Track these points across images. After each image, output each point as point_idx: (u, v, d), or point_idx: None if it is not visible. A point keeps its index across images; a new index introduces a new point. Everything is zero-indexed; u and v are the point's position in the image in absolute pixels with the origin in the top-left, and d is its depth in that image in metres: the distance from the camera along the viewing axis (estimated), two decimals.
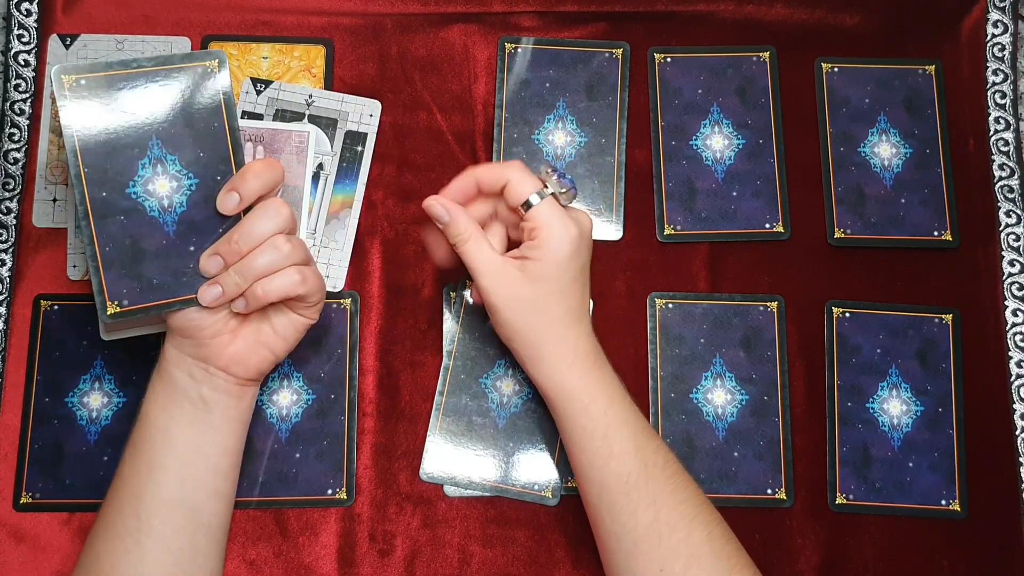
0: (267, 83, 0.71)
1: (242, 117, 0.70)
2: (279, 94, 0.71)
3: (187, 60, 0.56)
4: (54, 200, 0.69)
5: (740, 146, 0.73)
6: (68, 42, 0.71)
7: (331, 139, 0.71)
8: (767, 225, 0.72)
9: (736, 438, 0.68)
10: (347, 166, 0.70)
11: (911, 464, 0.68)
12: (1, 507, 0.65)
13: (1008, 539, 0.68)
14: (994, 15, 0.76)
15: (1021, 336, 0.71)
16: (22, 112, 0.70)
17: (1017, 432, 0.69)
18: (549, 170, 0.59)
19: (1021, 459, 0.69)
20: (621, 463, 0.57)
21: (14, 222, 0.69)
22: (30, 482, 0.65)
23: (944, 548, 0.67)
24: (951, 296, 0.71)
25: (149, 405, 0.58)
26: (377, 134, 0.71)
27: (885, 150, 0.73)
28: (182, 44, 0.72)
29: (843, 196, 0.72)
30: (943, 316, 0.71)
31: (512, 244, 0.62)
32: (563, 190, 0.59)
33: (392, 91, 0.72)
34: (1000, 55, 0.75)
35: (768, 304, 0.70)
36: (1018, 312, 0.71)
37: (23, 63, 0.71)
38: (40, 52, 0.71)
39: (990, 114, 0.75)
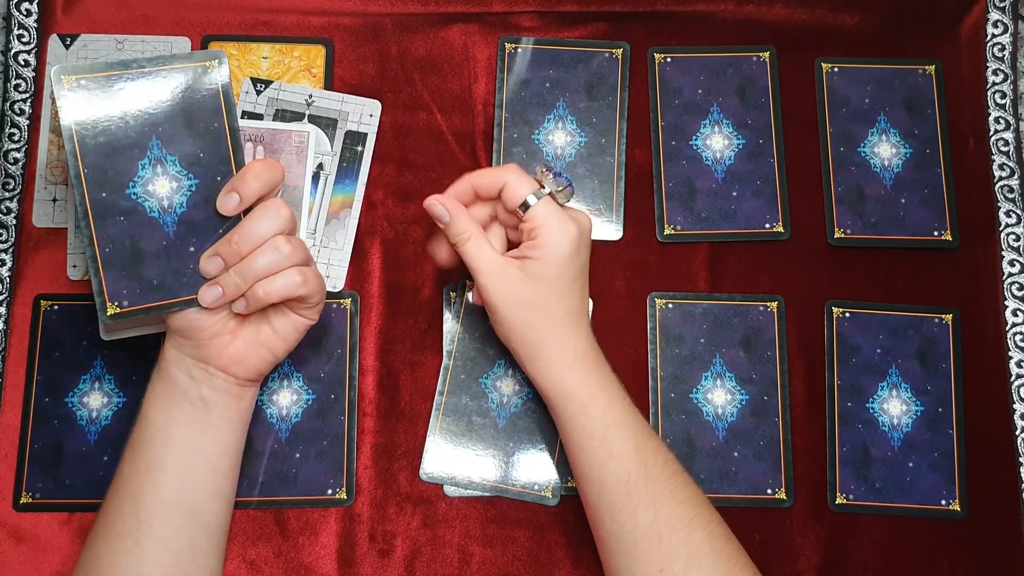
0: (267, 83, 0.71)
1: (242, 117, 0.70)
2: (279, 94, 0.71)
3: (187, 60, 0.56)
4: (54, 200, 0.69)
5: (740, 146, 0.73)
6: (68, 42, 0.71)
7: (331, 139, 0.71)
8: (767, 225, 0.72)
9: (736, 438, 0.68)
10: (347, 166, 0.70)
11: (911, 464, 0.68)
12: (1, 507, 0.65)
13: (1008, 539, 0.68)
14: (994, 15, 0.76)
15: (1021, 336, 0.71)
16: (22, 112, 0.70)
17: (1017, 432, 0.69)
18: (544, 169, 0.59)
19: (1021, 459, 0.69)
20: (621, 463, 0.57)
21: (14, 222, 0.69)
22: (30, 482, 0.65)
23: (944, 548, 0.67)
24: (951, 296, 0.71)
25: (149, 405, 0.58)
26: (377, 134, 0.71)
27: (885, 150, 0.73)
28: (182, 44, 0.72)
29: (843, 196, 0.72)
30: (943, 316, 0.71)
31: (512, 246, 0.63)
32: (559, 188, 0.59)
33: (392, 91, 0.72)
34: (1000, 55, 0.75)
35: (768, 304, 0.70)
36: (1018, 312, 0.71)
37: (23, 63, 0.71)
38: (40, 52, 0.71)
39: (990, 114, 0.75)
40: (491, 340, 0.68)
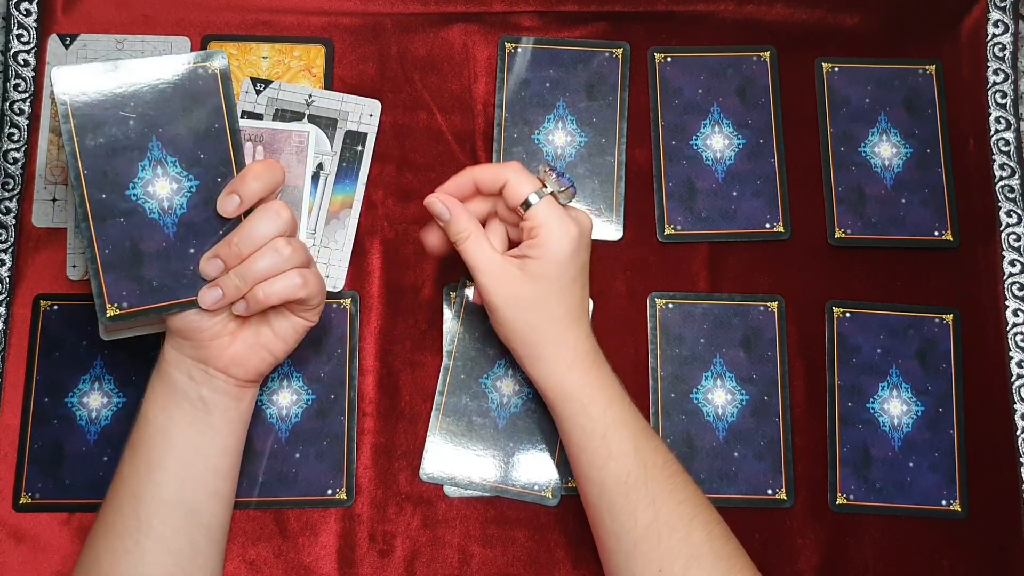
0: (267, 83, 0.71)
1: (242, 117, 0.69)
2: (279, 94, 0.71)
3: (188, 61, 0.55)
4: (54, 200, 0.69)
5: (740, 146, 0.73)
6: (68, 42, 0.71)
7: (331, 139, 0.71)
8: (767, 225, 0.72)
9: (736, 438, 0.68)
10: (347, 166, 0.70)
11: (911, 464, 0.68)
12: (1, 507, 0.65)
13: (1008, 539, 0.68)
14: (994, 15, 0.76)
15: (1021, 336, 0.71)
16: (22, 112, 0.70)
17: (1017, 432, 0.69)
18: (547, 169, 0.59)
19: (1021, 459, 0.69)
20: (620, 463, 0.57)
21: (14, 222, 0.69)
22: (30, 482, 0.65)
23: (944, 548, 0.67)
24: (951, 296, 0.71)
25: (148, 405, 0.58)
26: (377, 134, 0.71)
27: (885, 150, 0.73)
28: (182, 44, 0.72)
29: (843, 196, 0.72)
30: (943, 316, 0.71)
31: (512, 244, 0.62)
32: (562, 189, 0.59)
33: (392, 91, 0.72)
34: (1001, 55, 0.75)
35: (768, 304, 0.70)
36: (1018, 312, 0.71)
37: (23, 63, 0.71)
38: (40, 52, 0.71)
39: (991, 114, 0.74)
40: (491, 340, 0.68)
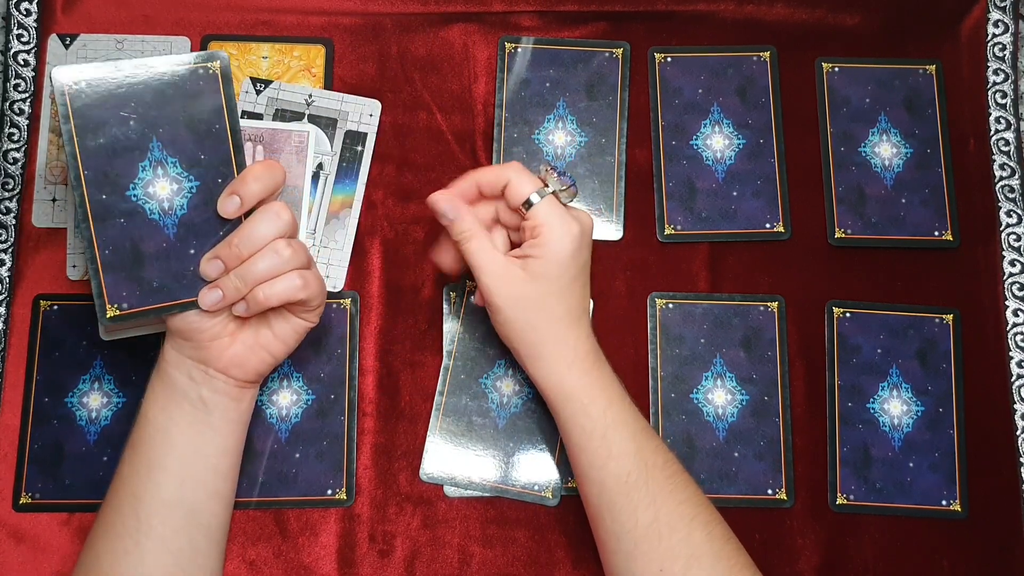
0: (267, 83, 0.71)
1: (242, 117, 0.69)
2: (279, 94, 0.71)
3: (189, 61, 0.55)
4: (54, 200, 0.69)
5: (740, 146, 0.73)
6: (68, 42, 0.71)
7: (331, 139, 0.71)
8: (767, 225, 0.72)
9: (736, 438, 0.68)
10: (347, 166, 0.70)
11: (911, 464, 0.68)
12: (1, 507, 0.65)
13: (1008, 539, 0.68)
14: (995, 15, 0.76)
15: (1021, 336, 0.71)
16: (21, 112, 0.70)
17: (1017, 432, 0.69)
18: (548, 168, 0.59)
19: (1021, 459, 0.69)
20: (621, 463, 0.57)
21: (14, 222, 0.69)
22: (30, 482, 0.65)
23: (944, 548, 0.67)
24: (951, 296, 0.71)
25: (148, 405, 0.58)
26: (377, 134, 0.71)
27: (885, 150, 0.73)
28: (182, 44, 0.72)
29: (843, 196, 0.72)
30: (943, 316, 0.71)
31: (513, 247, 0.62)
32: (563, 188, 0.59)
33: (392, 91, 0.72)
34: (1001, 55, 0.75)
35: (768, 304, 0.70)
36: (1019, 312, 0.71)
37: (23, 63, 0.71)
38: (40, 52, 0.71)
39: (991, 114, 0.74)
40: (491, 340, 0.68)
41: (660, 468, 0.57)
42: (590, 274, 0.61)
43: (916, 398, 0.69)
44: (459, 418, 0.67)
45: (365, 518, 0.66)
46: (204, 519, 0.58)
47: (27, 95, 0.71)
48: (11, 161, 0.70)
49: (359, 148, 0.71)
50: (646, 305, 0.70)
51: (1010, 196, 0.73)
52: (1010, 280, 0.72)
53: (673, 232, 0.71)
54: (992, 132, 0.74)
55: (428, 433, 0.67)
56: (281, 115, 0.71)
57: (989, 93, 0.75)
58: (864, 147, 0.73)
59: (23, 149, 0.70)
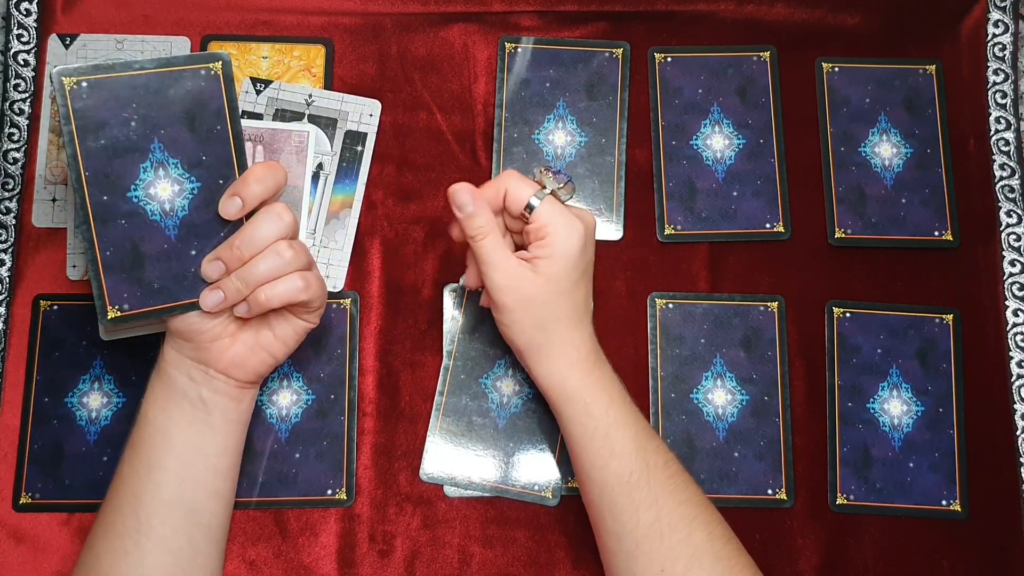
0: (267, 83, 0.71)
1: (242, 117, 0.69)
2: (279, 94, 0.71)
3: (190, 62, 0.55)
4: (54, 200, 0.69)
5: (740, 146, 0.73)
6: (68, 42, 0.71)
7: (331, 139, 0.71)
8: (767, 225, 0.72)
9: (736, 438, 0.68)
10: (347, 166, 0.70)
11: (911, 464, 0.68)
12: (1, 507, 0.65)
13: (1008, 539, 0.68)
14: (995, 15, 0.76)
15: (1021, 336, 0.71)
16: (21, 112, 0.70)
17: (1017, 432, 0.69)
18: (543, 169, 0.59)
19: (1021, 459, 0.69)
20: (622, 463, 0.57)
21: (14, 222, 0.69)
22: (30, 482, 0.65)
23: (944, 548, 0.67)
24: (951, 296, 0.71)
25: (148, 405, 0.58)
26: (377, 134, 0.71)
27: (886, 150, 0.73)
28: (182, 44, 0.72)
29: (843, 196, 0.72)
30: (943, 316, 0.71)
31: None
32: (560, 185, 0.59)
33: (392, 91, 0.72)
34: (1001, 55, 0.75)
35: (768, 304, 0.70)
36: (1019, 312, 0.71)
37: (23, 63, 0.71)
38: (40, 52, 0.71)
39: (991, 114, 0.74)
40: (491, 340, 0.68)
41: (661, 468, 0.57)
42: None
43: (916, 398, 0.69)
44: (459, 418, 0.67)
45: (365, 518, 0.66)
46: (204, 519, 0.58)
47: (27, 95, 0.71)
48: (11, 161, 0.69)
49: (359, 148, 0.71)
50: (646, 305, 0.70)
51: (1010, 196, 0.73)
52: (1010, 280, 0.72)
53: (673, 232, 0.71)
54: (992, 132, 0.74)
55: (428, 433, 0.67)
56: (281, 115, 0.71)
57: (989, 93, 0.75)
58: (864, 147, 0.73)
59: (23, 149, 0.70)
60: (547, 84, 0.73)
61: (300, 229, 0.62)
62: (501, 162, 0.72)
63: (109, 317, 0.55)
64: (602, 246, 0.70)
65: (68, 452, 0.66)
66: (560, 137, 0.72)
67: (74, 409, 0.66)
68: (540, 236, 0.58)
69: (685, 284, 0.71)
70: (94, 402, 0.67)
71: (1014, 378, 0.70)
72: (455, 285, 0.69)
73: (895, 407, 0.69)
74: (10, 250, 0.68)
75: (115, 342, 0.65)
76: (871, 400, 0.69)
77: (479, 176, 0.71)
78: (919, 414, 0.69)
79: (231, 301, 0.56)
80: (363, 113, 0.71)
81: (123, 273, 0.55)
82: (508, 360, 0.68)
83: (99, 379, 0.67)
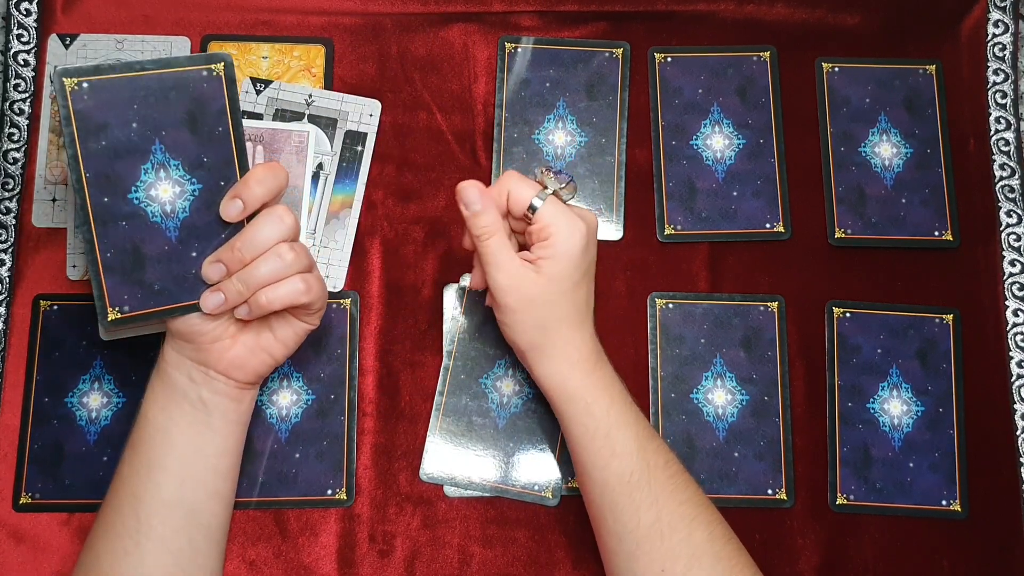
0: (267, 83, 0.71)
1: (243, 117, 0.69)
2: (279, 94, 0.71)
3: (192, 63, 0.55)
4: (53, 200, 0.69)
5: (740, 146, 0.73)
6: (68, 42, 0.71)
7: (331, 139, 0.71)
8: (767, 225, 0.72)
9: (736, 438, 0.68)
10: (347, 166, 0.70)
11: (911, 464, 0.68)
12: (1, 507, 0.65)
13: (1008, 539, 0.68)
14: (995, 15, 0.76)
15: (1021, 336, 0.71)
16: (21, 112, 0.70)
17: (1017, 432, 0.69)
18: (544, 170, 0.59)
19: (1021, 459, 0.69)
20: (623, 463, 0.57)
21: (14, 222, 0.69)
22: (30, 482, 0.65)
23: (944, 548, 0.67)
24: (951, 296, 0.71)
25: (148, 405, 0.58)
26: (377, 134, 0.71)
27: (886, 150, 0.73)
28: (182, 44, 0.72)
29: (843, 196, 0.72)
30: (943, 316, 0.71)
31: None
32: (562, 185, 0.59)
33: (392, 91, 0.72)
34: (1001, 55, 0.75)
35: (768, 304, 0.70)
36: (1019, 312, 0.71)
37: (23, 63, 0.71)
38: (40, 52, 0.71)
39: (991, 114, 0.74)
40: (491, 340, 0.68)
41: (662, 468, 0.57)
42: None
43: (916, 398, 0.69)
44: (459, 418, 0.67)
45: (365, 518, 0.66)
46: (204, 519, 0.58)
47: (27, 95, 0.71)
48: (11, 161, 0.69)
49: (359, 148, 0.71)
50: (646, 305, 0.70)
51: (1010, 196, 0.73)
52: (1010, 280, 0.72)
53: (673, 232, 0.71)
54: (992, 132, 0.74)
55: (428, 433, 0.67)
56: (281, 115, 0.71)
57: (989, 93, 0.75)
58: (864, 147, 0.73)
59: (23, 149, 0.70)
60: (547, 84, 0.73)
61: (300, 229, 0.62)
62: (501, 162, 0.72)
63: (109, 319, 0.55)
64: (602, 246, 0.70)
65: (68, 452, 0.66)
66: (560, 137, 0.72)
67: (74, 409, 0.66)
68: (543, 237, 0.58)
69: (685, 284, 0.71)
70: (94, 402, 0.67)
71: (1014, 378, 0.70)
72: (455, 285, 0.69)
73: (895, 407, 0.69)
74: (10, 250, 0.68)
75: (115, 342, 0.65)
76: (871, 400, 0.69)
77: (479, 176, 0.71)
78: (919, 414, 0.69)
79: (232, 303, 0.56)
80: (363, 113, 0.71)
81: (123, 274, 0.55)
82: (508, 360, 0.68)
83: (99, 379, 0.67)
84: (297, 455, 0.66)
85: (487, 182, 0.71)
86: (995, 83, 0.75)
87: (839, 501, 0.68)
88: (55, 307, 0.68)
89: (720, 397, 0.69)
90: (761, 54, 0.74)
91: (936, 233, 0.72)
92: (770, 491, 0.67)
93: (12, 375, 0.67)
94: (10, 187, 0.69)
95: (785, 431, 0.68)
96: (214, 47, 0.72)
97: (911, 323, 0.70)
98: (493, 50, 0.73)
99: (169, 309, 0.56)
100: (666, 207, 0.72)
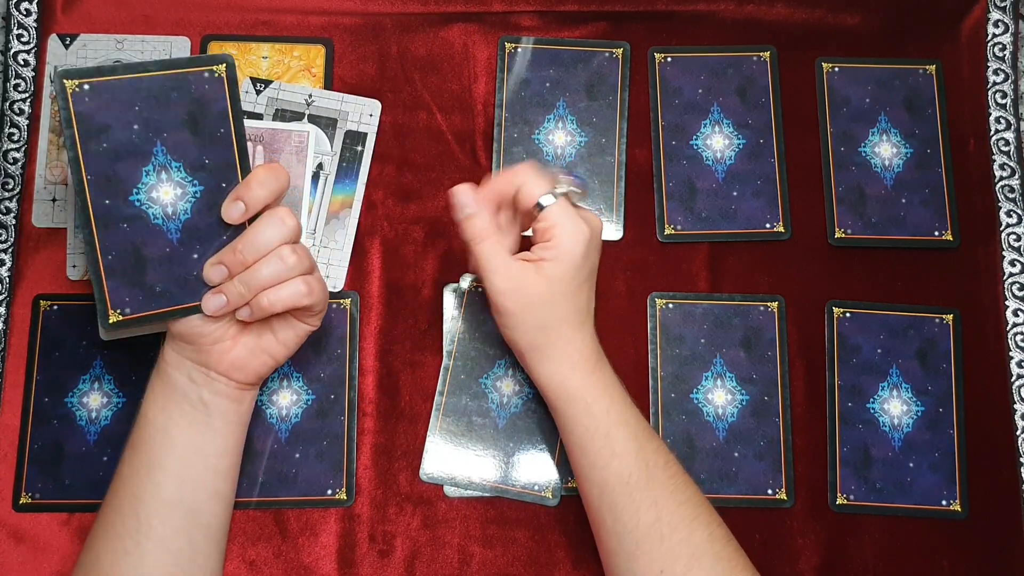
0: (267, 83, 0.71)
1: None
2: (279, 94, 0.71)
3: (193, 64, 0.55)
4: (53, 200, 0.69)
5: (740, 146, 0.73)
6: (68, 42, 0.71)
7: (331, 139, 0.71)
8: (767, 225, 0.72)
9: (736, 438, 0.68)
10: (347, 166, 0.70)
11: (911, 464, 0.68)
12: (1, 507, 0.65)
13: (1008, 539, 0.68)
14: (995, 15, 0.76)
15: (1021, 336, 0.71)
16: (21, 112, 0.70)
17: (1017, 432, 0.69)
18: (559, 171, 0.59)
19: (1021, 459, 0.69)
20: (623, 463, 0.57)
21: (14, 222, 0.69)
22: (30, 482, 0.65)
23: (944, 548, 0.67)
24: (951, 296, 0.71)
25: (148, 406, 0.58)
26: (377, 134, 0.71)
27: (886, 150, 0.73)
28: (182, 44, 0.72)
29: (843, 196, 0.72)
30: (943, 316, 0.71)
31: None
32: (573, 189, 0.58)
33: (392, 91, 0.72)
34: (1001, 55, 0.75)
35: (768, 304, 0.70)
36: (1019, 312, 0.71)
37: (23, 63, 0.71)
38: (40, 52, 0.71)
39: (991, 114, 0.74)
40: (491, 340, 0.68)
41: (661, 468, 0.57)
42: None
43: (916, 398, 0.69)
44: (459, 418, 0.67)
45: (365, 518, 0.66)
46: (204, 519, 0.58)
47: (27, 95, 0.71)
48: (11, 161, 0.69)
49: (359, 148, 0.71)
50: (646, 305, 0.70)
51: (1010, 196, 0.73)
52: (1010, 280, 0.72)
53: (673, 232, 0.71)
54: (992, 132, 0.74)
55: (428, 433, 0.67)
56: (281, 115, 0.71)
57: (989, 93, 0.75)
58: (864, 147, 0.73)
59: (23, 149, 0.70)
60: (547, 84, 0.73)
61: (301, 231, 0.62)
62: (501, 162, 0.72)
63: (111, 321, 0.55)
64: (602, 246, 0.70)
65: (68, 452, 0.66)
66: (560, 137, 0.72)
67: (74, 409, 0.66)
68: (546, 237, 0.58)
69: (685, 284, 0.71)
70: (94, 402, 0.67)
71: (1014, 378, 0.70)
72: (455, 285, 0.69)
73: (895, 407, 0.69)
74: (10, 250, 0.68)
75: (115, 342, 0.65)
76: (871, 400, 0.69)
77: (479, 176, 0.71)
78: (919, 414, 0.69)
79: (233, 305, 0.56)
80: (363, 113, 0.71)
81: (125, 277, 0.55)
82: (508, 360, 0.68)
83: (99, 379, 0.67)
84: (297, 455, 0.66)
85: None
86: (995, 83, 0.75)
87: (839, 501, 0.68)
88: (55, 307, 0.68)
89: (720, 397, 0.69)
90: (761, 54, 0.74)
91: (936, 233, 0.72)
92: (770, 491, 0.67)
93: (12, 375, 0.67)
94: (10, 187, 0.69)
95: (785, 431, 0.68)
96: (214, 47, 0.72)
97: (911, 323, 0.70)
98: (493, 50, 0.73)
99: (170, 311, 0.56)
100: (666, 207, 0.72)
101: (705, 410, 0.68)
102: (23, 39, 0.71)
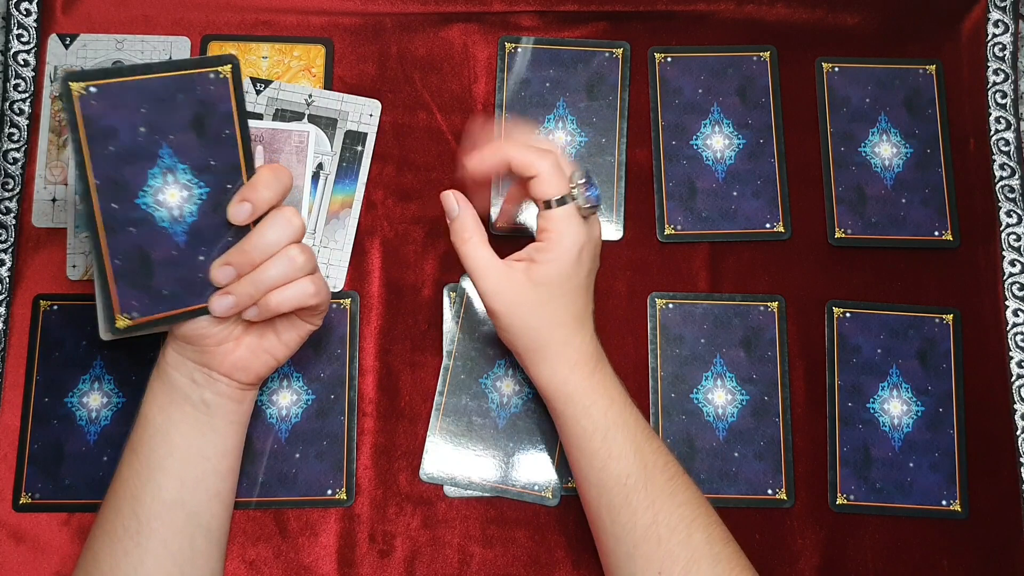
0: (267, 83, 0.71)
1: None
2: (279, 94, 0.71)
3: (198, 65, 0.54)
4: (53, 200, 0.69)
5: (740, 146, 0.73)
6: (68, 42, 0.71)
7: (331, 139, 0.71)
8: (767, 225, 0.71)
9: (736, 438, 0.68)
10: (347, 166, 0.70)
11: (912, 464, 0.68)
12: (1, 507, 0.65)
13: (1008, 539, 0.68)
14: (995, 15, 0.76)
15: (1021, 336, 0.71)
16: (21, 112, 0.70)
17: (1017, 432, 0.69)
18: (579, 178, 0.58)
19: (1021, 459, 0.69)
20: (621, 464, 0.57)
21: (14, 222, 0.69)
22: (29, 482, 0.65)
23: (944, 548, 0.67)
24: (951, 296, 0.71)
25: (148, 406, 0.58)
26: (377, 134, 0.71)
27: (886, 150, 0.73)
28: (182, 44, 0.72)
29: (843, 196, 0.72)
30: (943, 316, 0.71)
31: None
32: (587, 205, 0.58)
33: (392, 91, 0.72)
34: (1001, 55, 0.75)
35: (768, 304, 0.70)
36: (1019, 312, 0.71)
37: (22, 63, 0.71)
38: (40, 52, 0.71)
39: (991, 114, 0.74)
40: (491, 340, 0.68)
41: (660, 470, 0.57)
42: None
43: (916, 398, 0.69)
44: (459, 418, 0.67)
45: (365, 518, 0.66)
46: (204, 520, 0.58)
47: (27, 95, 0.71)
48: (11, 161, 0.69)
49: (359, 148, 0.71)
50: (646, 305, 0.70)
51: (1010, 196, 0.73)
52: (1010, 280, 0.72)
53: (673, 232, 0.71)
54: (992, 132, 0.74)
55: (428, 433, 0.67)
56: (281, 115, 0.71)
57: (989, 93, 0.75)
58: (864, 147, 0.73)
59: (23, 149, 0.70)
60: (547, 84, 0.73)
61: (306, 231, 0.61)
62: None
63: (119, 325, 0.54)
64: (602, 246, 0.70)
65: (68, 452, 0.66)
66: (560, 137, 0.72)
67: (74, 409, 0.66)
68: (543, 239, 0.58)
69: (685, 284, 0.71)
70: (94, 402, 0.67)
71: (1014, 378, 0.70)
72: (455, 285, 0.69)
73: (895, 407, 0.69)
74: (10, 250, 0.68)
75: (115, 342, 0.65)
76: (871, 400, 0.69)
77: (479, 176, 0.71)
78: (919, 414, 0.69)
79: (242, 306, 0.56)
80: (363, 113, 0.71)
81: (132, 281, 0.54)
82: (508, 360, 0.68)
83: (99, 379, 0.67)
84: (297, 455, 0.66)
85: (487, 183, 0.71)
86: (995, 83, 0.75)
87: (839, 501, 0.68)
88: (55, 307, 0.68)
89: (720, 397, 0.69)
90: (761, 54, 0.74)
91: (936, 233, 0.72)
92: (770, 491, 0.67)
93: (12, 375, 0.67)
94: (10, 187, 0.69)
95: (785, 431, 0.68)
96: (214, 47, 0.72)
97: (911, 323, 0.70)
98: (493, 50, 0.73)
99: (178, 314, 0.55)
100: (666, 207, 0.72)
101: (705, 410, 0.68)
102: (23, 39, 0.71)
